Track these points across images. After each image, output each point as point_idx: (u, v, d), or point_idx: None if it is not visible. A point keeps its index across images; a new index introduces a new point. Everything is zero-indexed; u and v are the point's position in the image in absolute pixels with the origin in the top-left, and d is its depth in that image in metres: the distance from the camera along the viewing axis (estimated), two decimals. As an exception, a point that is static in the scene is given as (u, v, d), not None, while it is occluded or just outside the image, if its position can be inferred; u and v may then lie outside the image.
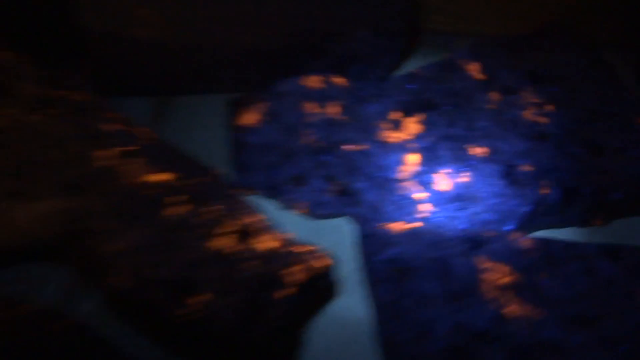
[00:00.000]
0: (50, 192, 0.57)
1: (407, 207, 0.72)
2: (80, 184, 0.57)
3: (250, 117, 0.81)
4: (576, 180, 0.70)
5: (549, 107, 0.78)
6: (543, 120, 0.77)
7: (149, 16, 0.82)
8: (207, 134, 0.86)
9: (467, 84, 0.83)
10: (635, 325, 0.51)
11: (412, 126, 0.79)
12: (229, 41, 0.87)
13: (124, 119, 0.69)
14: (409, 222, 0.66)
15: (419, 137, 0.78)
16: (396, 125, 0.79)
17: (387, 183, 0.74)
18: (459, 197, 0.72)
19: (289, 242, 0.58)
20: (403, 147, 0.77)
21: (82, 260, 0.55)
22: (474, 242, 0.60)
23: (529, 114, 0.78)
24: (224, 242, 0.54)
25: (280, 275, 0.52)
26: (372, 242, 0.60)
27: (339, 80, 0.84)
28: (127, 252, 0.53)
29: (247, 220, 0.58)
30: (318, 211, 0.73)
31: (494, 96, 0.81)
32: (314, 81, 0.83)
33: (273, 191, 0.74)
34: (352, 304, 0.61)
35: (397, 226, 0.63)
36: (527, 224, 0.68)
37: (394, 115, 0.80)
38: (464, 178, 0.73)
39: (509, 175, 0.72)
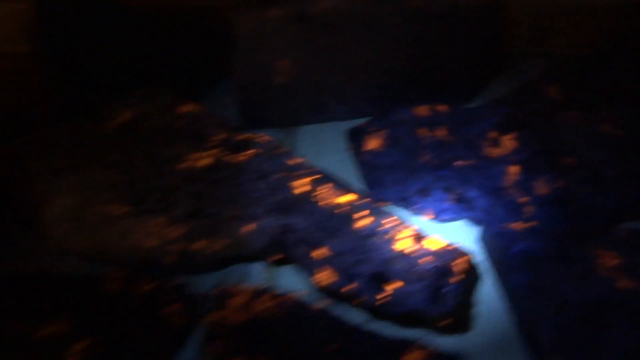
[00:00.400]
0: (262, 214, 0.76)
1: (515, 210, 0.89)
2: (285, 207, 0.76)
3: (374, 142, 0.99)
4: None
5: (623, 121, 0.94)
6: (619, 132, 0.94)
7: (285, 66, 1.01)
8: (333, 157, 1.04)
9: (548, 104, 1.01)
10: None
11: (509, 142, 0.96)
12: (347, 80, 1.06)
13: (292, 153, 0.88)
14: (524, 222, 0.83)
15: (516, 152, 0.95)
16: (495, 143, 0.97)
17: (495, 191, 0.91)
18: (557, 200, 0.89)
19: (443, 242, 0.76)
20: (504, 160, 0.94)
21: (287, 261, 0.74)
22: (581, 234, 0.77)
23: (606, 128, 0.94)
24: (404, 244, 0.73)
25: (450, 267, 0.71)
26: (502, 238, 0.77)
27: (442, 107, 1.02)
28: (332, 256, 0.71)
29: (414, 226, 0.77)
30: (442, 217, 0.91)
31: (573, 114, 0.98)
32: (422, 110, 1.01)
33: (404, 202, 0.92)
34: (488, 286, 0.79)
35: (517, 225, 0.81)
36: (618, 216, 0.85)
37: (492, 134, 0.98)
38: (559, 184, 0.90)
39: (596, 179, 0.89)
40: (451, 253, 0.73)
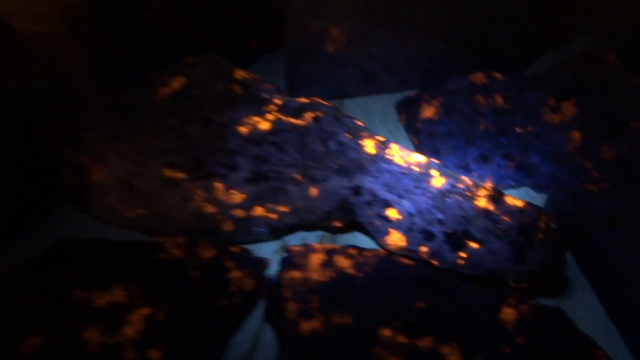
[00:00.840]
0: (327, 176, 0.74)
1: (582, 174, 0.87)
2: (352, 168, 0.74)
3: (429, 111, 0.97)
4: None
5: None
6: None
7: (338, 35, 0.99)
8: (384, 128, 1.02)
9: (607, 71, 0.98)
10: None
11: (569, 109, 0.94)
12: (399, 50, 1.03)
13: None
14: (593, 183, 0.80)
15: (577, 117, 0.92)
16: (555, 109, 0.94)
17: (559, 156, 0.89)
18: (622, 164, 0.86)
19: (520, 201, 0.73)
20: (566, 126, 0.92)
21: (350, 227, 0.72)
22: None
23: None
24: (484, 203, 0.70)
25: (535, 224, 0.68)
26: (580, 199, 0.75)
27: (498, 75, 0.99)
28: (405, 217, 0.69)
29: (488, 185, 0.74)
30: (503, 182, 0.89)
31: (636, 79, 0.95)
32: (479, 77, 0.98)
33: (464, 169, 0.90)
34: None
35: (589, 187, 0.78)
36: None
37: (551, 101, 0.95)
38: (626, 147, 0.87)
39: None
40: (531, 212, 0.70)
